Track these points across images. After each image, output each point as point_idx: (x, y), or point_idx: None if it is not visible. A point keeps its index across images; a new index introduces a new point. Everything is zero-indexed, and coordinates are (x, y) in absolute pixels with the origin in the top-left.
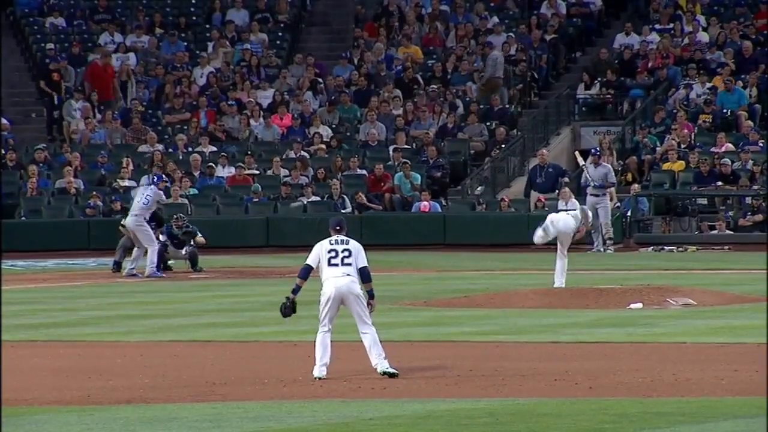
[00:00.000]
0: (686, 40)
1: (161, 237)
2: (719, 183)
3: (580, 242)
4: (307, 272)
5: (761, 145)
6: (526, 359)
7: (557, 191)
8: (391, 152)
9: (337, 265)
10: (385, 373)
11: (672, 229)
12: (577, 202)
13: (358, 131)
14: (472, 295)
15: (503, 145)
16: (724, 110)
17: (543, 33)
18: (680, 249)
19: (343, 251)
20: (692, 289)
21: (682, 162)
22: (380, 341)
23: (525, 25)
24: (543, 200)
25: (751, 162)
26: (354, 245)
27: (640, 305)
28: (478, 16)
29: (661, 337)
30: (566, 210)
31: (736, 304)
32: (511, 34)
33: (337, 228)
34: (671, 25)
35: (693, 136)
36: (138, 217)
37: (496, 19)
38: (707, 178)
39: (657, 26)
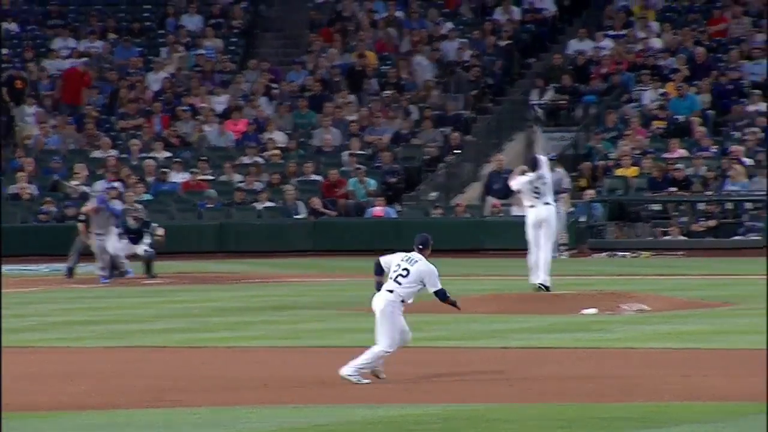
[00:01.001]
0: (640, 46)
1: (115, 233)
2: (672, 189)
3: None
4: (377, 268)
5: (714, 150)
6: (477, 364)
7: (512, 197)
8: (345, 158)
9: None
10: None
11: (625, 235)
12: None
13: (312, 137)
14: (423, 301)
15: (457, 151)
16: (677, 116)
17: (497, 39)
18: (633, 255)
19: (403, 269)
20: (645, 294)
21: (636, 168)
22: (330, 346)
23: (479, 31)
24: (499, 206)
25: (704, 168)
26: (418, 268)
27: (593, 311)
28: (432, 21)
29: (614, 343)
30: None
31: (689, 309)
32: (465, 39)
33: (420, 247)
34: (625, 31)
35: (646, 142)
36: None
37: (450, 24)
38: (660, 183)
39: (610, 32)
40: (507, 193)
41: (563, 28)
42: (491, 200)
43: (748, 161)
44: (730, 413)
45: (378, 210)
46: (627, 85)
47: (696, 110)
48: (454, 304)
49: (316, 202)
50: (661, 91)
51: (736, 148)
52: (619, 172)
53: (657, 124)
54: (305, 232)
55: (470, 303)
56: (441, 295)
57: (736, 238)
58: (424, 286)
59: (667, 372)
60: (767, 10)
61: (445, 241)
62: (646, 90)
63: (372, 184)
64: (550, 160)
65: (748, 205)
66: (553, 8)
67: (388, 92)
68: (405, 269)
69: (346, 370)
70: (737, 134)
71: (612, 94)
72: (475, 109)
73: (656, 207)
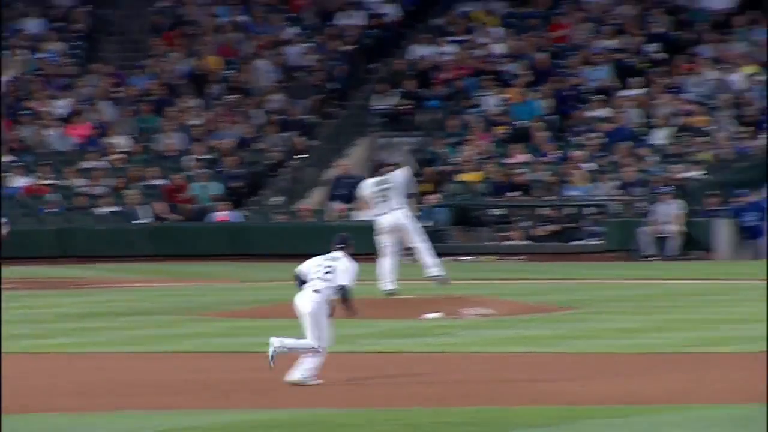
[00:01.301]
0: (482, 52)
1: None
2: (514, 193)
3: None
4: (299, 282)
5: (555, 156)
6: (323, 369)
7: (356, 202)
8: (188, 162)
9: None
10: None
11: (468, 240)
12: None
13: (155, 141)
14: (270, 305)
15: (301, 155)
16: (519, 121)
17: (341, 44)
18: (476, 259)
19: (327, 267)
20: (488, 298)
21: (479, 173)
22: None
23: (323, 36)
24: (344, 210)
25: (545, 173)
26: (343, 264)
27: (436, 315)
28: (276, 26)
29: (456, 347)
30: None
31: (531, 313)
32: (309, 44)
33: (339, 246)
34: (467, 37)
35: (489, 147)
36: None
37: (293, 29)
38: (503, 188)
39: (453, 38)
40: (351, 198)
41: (406, 34)
42: (335, 205)
43: (589, 166)
44: (575, 417)
45: (222, 215)
46: (469, 90)
47: (537, 115)
48: (352, 308)
49: (159, 207)
50: (503, 96)
51: (577, 153)
52: (462, 177)
53: (499, 130)
54: (148, 237)
55: None
56: (346, 291)
57: (577, 242)
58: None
59: (512, 376)
60: (608, 17)
61: (289, 246)
62: (488, 95)
63: (215, 188)
64: (398, 164)
65: (589, 210)
66: (396, 13)
67: (231, 97)
68: (329, 266)
69: (296, 375)
70: (578, 139)
71: (455, 99)
72: (319, 113)
73: (499, 212)
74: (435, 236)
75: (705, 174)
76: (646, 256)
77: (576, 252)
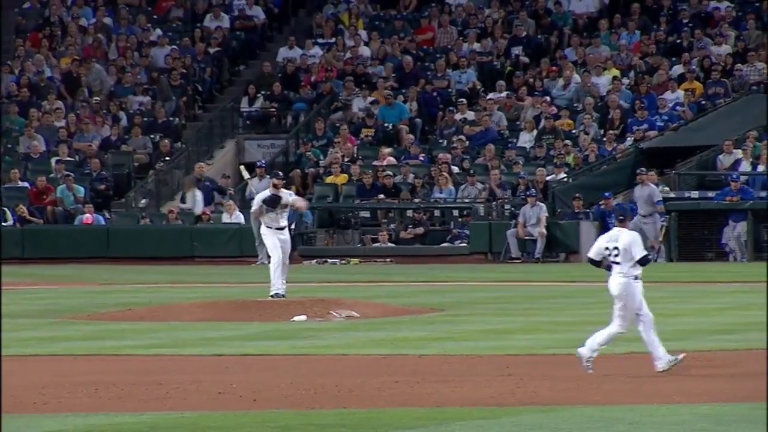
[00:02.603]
0: (349, 55)
1: None
2: (381, 196)
3: (244, 255)
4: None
5: (422, 158)
6: (189, 372)
7: (217, 204)
8: (53, 164)
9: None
10: None
11: (335, 242)
12: (242, 215)
13: (19, 143)
14: (135, 309)
15: (167, 158)
16: (386, 124)
17: (207, 46)
18: (343, 261)
19: (614, 248)
20: (355, 301)
21: (345, 175)
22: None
23: (189, 38)
24: (209, 213)
25: (411, 175)
26: (624, 240)
27: (303, 317)
28: (141, 28)
29: (324, 350)
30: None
31: (399, 316)
32: (175, 46)
33: (620, 218)
34: (334, 40)
35: (356, 150)
36: None
37: (159, 31)
38: (370, 191)
39: (320, 40)
40: (209, 201)
41: (273, 36)
42: (199, 207)
43: (455, 169)
44: (445, 418)
45: (87, 217)
46: (336, 93)
47: (404, 118)
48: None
49: (24, 210)
50: (370, 99)
51: (443, 156)
52: (329, 179)
53: (366, 132)
54: (13, 240)
55: (182, 311)
56: (644, 260)
57: (444, 245)
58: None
59: (381, 378)
60: (473, 20)
61: (156, 249)
62: (355, 98)
63: (81, 191)
64: (259, 167)
65: (455, 213)
66: (262, 16)
67: (97, 98)
68: (615, 248)
69: (583, 351)
70: (444, 142)
71: (322, 101)
72: (186, 116)
73: (365, 214)
74: (302, 239)
75: (569, 177)
76: (512, 259)
77: (442, 254)
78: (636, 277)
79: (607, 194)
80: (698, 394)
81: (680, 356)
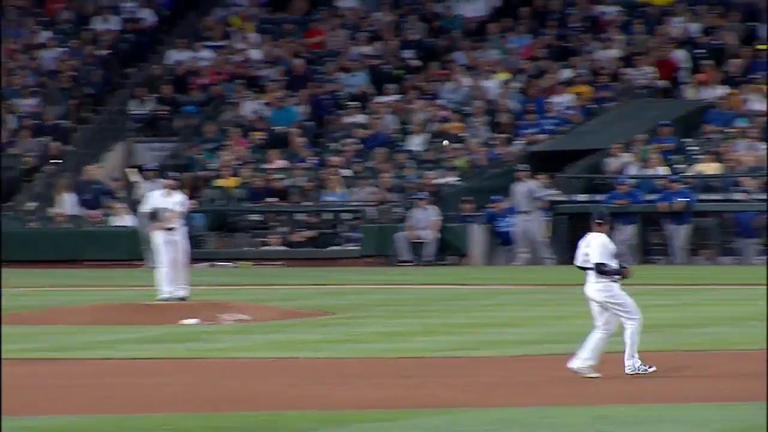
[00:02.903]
0: (239, 57)
1: None
2: (272, 199)
3: (133, 258)
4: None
5: (313, 161)
6: (77, 376)
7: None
8: None
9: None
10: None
11: (226, 245)
12: (131, 218)
13: None
14: (23, 313)
15: (56, 161)
16: (276, 127)
17: (96, 48)
18: (234, 265)
19: (585, 254)
20: (247, 304)
21: (236, 178)
22: None
23: (78, 40)
24: (99, 216)
25: (303, 178)
26: (596, 243)
27: (194, 321)
28: (30, 30)
29: (219, 353)
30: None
31: (290, 319)
32: (64, 48)
33: (598, 222)
34: (224, 42)
35: (246, 153)
36: None
37: (48, 33)
38: (260, 194)
39: (210, 43)
40: (96, 204)
41: (163, 38)
42: (86, 211)
43: (346, 172)
44: (342, 421)
45: None
46: (227, 95)
47: (295, 121)
48: (618, 273)
49: None
50: (261, 102)
51: (334, 159)
52: (219, 182)
53: (256, 135)
54: None
55: (73, 314)
56: (600, 267)
57: (334, 247)
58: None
59: (276, 381)
60: (364, 23)
61: (44, 252)
62: (245, 101)
63: None
64: (148, 170)
65: (346, 216)
66: (152, 18)
67: None
68: (585, 254)
69: (576, 364)
70: (335, 145)
71: (212, 104)
72: (75, 118)
73: (256, 217)
74: (192, 242)
75: (460, 180)
76: (403, 261)
77: (333, 257)
78: (613, 279)
79: (496, 198)
80: (589, 396)
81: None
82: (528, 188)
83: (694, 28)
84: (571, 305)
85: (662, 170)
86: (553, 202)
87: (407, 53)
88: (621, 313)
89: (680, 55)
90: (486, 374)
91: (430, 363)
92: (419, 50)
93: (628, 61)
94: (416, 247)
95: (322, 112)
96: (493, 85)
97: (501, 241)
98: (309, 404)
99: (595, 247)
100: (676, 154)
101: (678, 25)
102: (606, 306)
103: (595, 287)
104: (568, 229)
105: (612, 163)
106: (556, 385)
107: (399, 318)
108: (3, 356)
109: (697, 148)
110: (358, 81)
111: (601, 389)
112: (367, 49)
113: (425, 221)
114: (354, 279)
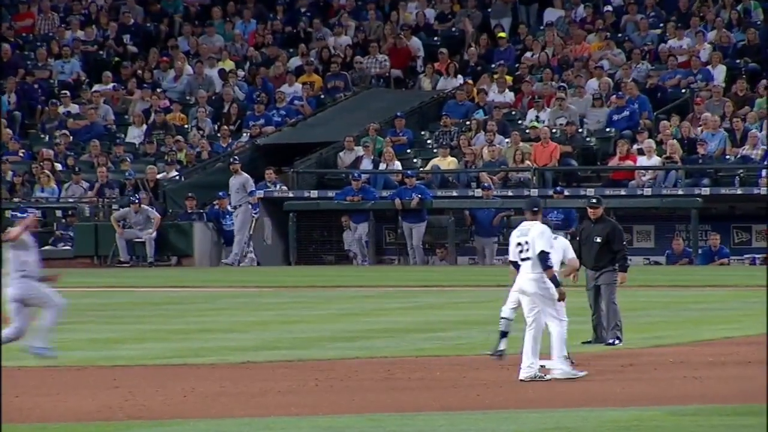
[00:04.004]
0: None
1: None
2: None
3: None
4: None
5: (22, 154)
6: None
7: None
8: None
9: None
10: None
11: None
12: None
13: None
14: None
15: None
16: None
17: None
18: None
19: (524, 243)
20: None
21: None
22: None
23: None
24: None
25: (11, 173)
26: (534, 232)
27: None
28: None
29: None
30: None
31: None
32: None
33: (533, 210)
34: None
35: None
36: None
37: None
38: None
39: None
40: None
41: None
42: None
43: (59, 166)
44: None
45: None
46: None
47: (2, 111)
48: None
49: None
50: None
51: (45, 152)
52: None
53: None
54: None
55: None
56: (543, 256)
57: (46, 247)
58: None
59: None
60: (77, 6)
61: None
62: None
63: None
64: None
65: (59, 213)
66: None
67: None
68: (526, 242)
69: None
70: (47, 137)
71: None
72: None
73: None
74: None
75: (182, 175)
76: (121, 262)
77: (45, 258)
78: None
79: (221, 193)
80: (313, 406)
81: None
82: (242, 181)
83: (429, 14)
84: (300, 308)
85: (397, 165)
86: (282, 199)
87: (125, 38)
88: (550, 312)
89: (416, 43)
90: (200, 382)
91: (142, 372)
92: (138, 35)
93: (361, 48)
94: (135, 246)
95: (33, 101)
96: (217, 73)
97: (225, 240)
98: (12, 417)
99: (536, 235)
100: (412, 148)
101: (413, 11)
102: (536, 300)
103: (529, 277)
104: (297, 228)
105: (345, 157)
106: (283, 394)
107: (113, 323)
108: None
109: (433, 141)
110: (72, 68)
111: (325, 399)
112: (81, 34)
113: (144, 219)
114: (67, 282)
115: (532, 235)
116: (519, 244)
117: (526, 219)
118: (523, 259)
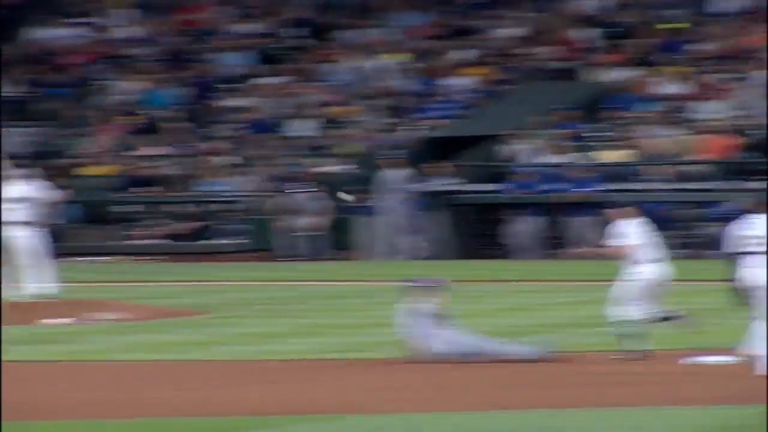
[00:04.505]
0: (111, 35)
1: None
2: (147, 189)
3: None
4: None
5: (192, 148)
6: None
7: None
8: None
9: None
10: None
11: (96, 239)
12: None
13: None
14: None
15: None
16: (152, 111)
17: None
18: (106, 259)
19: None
20: (119, 302)
21: (107, 166)
22: None
23: None
24: None
25: (180, 166)
26: None
27: (64, 320)
28: None
29: (84, 355)
30: None
31: (164, 318)
32: None
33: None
34: (94, 19)
35: (118, 139)
36: None
37: None
38: (134, 183)
39: (78, 19)
40: None
41: (26, 14)
42: None
43: (228, 159)
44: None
45: None
46: (97, 77)
47: (172, 105)
48: None
49: None
50: (135, 84)
51: (215, 146)
52: (88, 171)
53: (130, 120)
54: None
55: None
56: None
57: (215, 241)
58: None
59: (144, 385)
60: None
61: None
62: (118, 83)
63: None
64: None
65: (227, 207)
66: None
67: None
68: (754, 236)
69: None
70: (216, 131)
71: (80, 86)
72: None
73: (129, 208)
74: (60, 235)
75: (350, 168)
76: (288, 256)
77: (213, 252)
78: None
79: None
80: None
81: None
82: (394, 177)
83: (597, 6)
84: (468, 303)
85: (568, 158)
86: (450, 192)
87: (292, 31)
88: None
89: (583, 35)
90: (364, 377)
91: (308, 365)
92: (306, 29)
93: (529, 40)
94: (303, 240)
95: (202, 94)
96: (385, 66)
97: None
98: (183, 410)
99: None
100: (580, 140)
101: (581, 3)
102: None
103: (761, 270)
104: (472, 222)
105: (510, 150)
106: (435, 388)
107: (279, 318)
108: None
109: (601, 133)
110: (241, 61)
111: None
112: (250, 27)
113: (314, 212)
114: (234, 276)
115: (759, 228)
116: (746, 237)
117: (751, 211)
118: (751, 252)
